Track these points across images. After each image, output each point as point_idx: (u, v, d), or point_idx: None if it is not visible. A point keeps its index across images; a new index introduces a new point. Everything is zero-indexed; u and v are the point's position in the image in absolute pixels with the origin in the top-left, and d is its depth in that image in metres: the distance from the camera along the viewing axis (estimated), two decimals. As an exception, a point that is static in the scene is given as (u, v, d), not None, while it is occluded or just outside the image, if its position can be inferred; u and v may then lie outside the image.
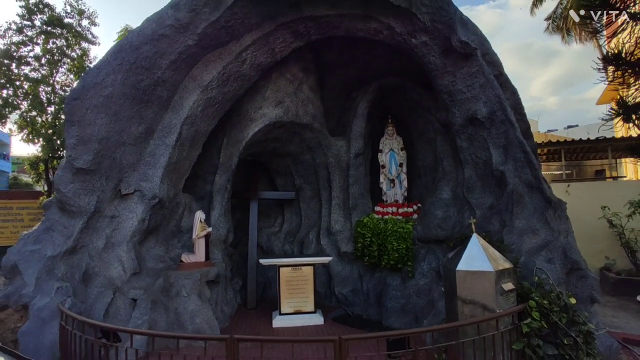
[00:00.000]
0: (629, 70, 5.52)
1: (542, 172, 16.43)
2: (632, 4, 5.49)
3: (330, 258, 7.67)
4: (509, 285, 4.62)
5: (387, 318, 7.07)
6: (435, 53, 6.44)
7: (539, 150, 13.59)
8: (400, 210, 7.88)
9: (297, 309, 7.16)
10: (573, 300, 4.93)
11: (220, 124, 7.47)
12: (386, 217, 7.82)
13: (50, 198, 6.14)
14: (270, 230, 9.48)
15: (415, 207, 7.91)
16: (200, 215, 7.13)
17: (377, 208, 8.12)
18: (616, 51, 5.60)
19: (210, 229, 7.21)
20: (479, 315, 4.53)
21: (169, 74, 6.15)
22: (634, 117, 5.54)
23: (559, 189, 10.72)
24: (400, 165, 8.28)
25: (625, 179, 12.62)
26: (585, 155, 13.56)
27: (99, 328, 4.41)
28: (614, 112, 5.75)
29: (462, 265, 4.70)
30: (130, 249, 6.19)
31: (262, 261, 7.48)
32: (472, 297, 4.58)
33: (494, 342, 4.30)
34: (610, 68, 5.79)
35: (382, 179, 8.36)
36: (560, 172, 16.42)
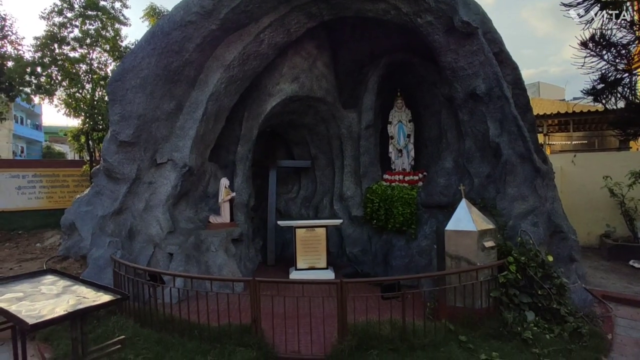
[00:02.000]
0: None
1: (557, 142, 16.66)
2: None
3: (341, 221, 8.47)
4: (490, 243, 5.36)
5: (392, 274, 7.79)
6: (439, 32, 6.87)
7: (551, 121, 13.90)
8: (407, 178, 8.47)
9: (311, 265, 8.10)
10: (550, 258, 5.63)
11: (241, 99, 8.20)
12: (394, 184, 8.45)
13: (98, 166, 7.13)
14: (288, 196, 10.37)
15: (420, 175, 8.45)
16: (225, 181, 8.04)
17: (386, 176, 8.72)
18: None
19: (234, 194, 8.13)
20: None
21: (196, 55, 6.88)
22: (599, 97, 6.15)
23: (566, 159, 11.15)
24: (408, 136, 8.74)
25: (631, 150, 12.84)
26: (598, 126, 13.75)
27: (147, 272, 5.42)
28: (584, 94, 6.31)
29: (450, 226, 5.44)
30: (165, 211, 7.12)
31: (280, 223, 8.39)
32: (457, 253, 5.35)
33: (473, 289, 5.11)
34: None
35: (390, 149, 8.84)
36: (578, 141, 16.62)
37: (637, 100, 6.48)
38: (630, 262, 8.84)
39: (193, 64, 6.94)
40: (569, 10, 5.90)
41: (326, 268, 8.06)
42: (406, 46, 8.12)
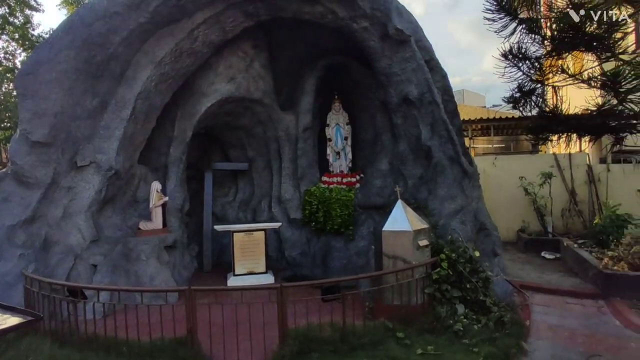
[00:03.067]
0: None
1: (480, 146, 18.00)
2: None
3: (280, 224, 8.42)
4: (424, 242, 5.62)
5: (331, 276, 7.84)
6: (374, 38, 7.07)
7: (474, 126, 15.02)
8: (345, 180, 8.58)
9: (250, 270, 7.90)
10: (477, 254, 6.04)
11: (173, 98, 7.77)
12: (332, 186, 8.44)
13: (4, 170, 6.34)
14: (224, 200, 10.04)
15: (358, 177, 8.59)
16: (156, 185, 7.57)
17: (324, 178, 8.78)
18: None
19: (166, 199, 7.68)
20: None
21: (122, 49, 6.39)
22: (517, 105, 6.88)
23: (488, 162, 12.09)
24: (346, 138, 8.88)
25: (540, 153, 14.37)
26: (514, 131, 15.15)
27: (65, 287, 4.93)
28: (504, 101, 6.99)
29: (387, 227, 5.62)
30: (88, 218, 6.52)
31: (217, 227, 8.11)
32: (394, 253, 5.53)
33: (409, 287, 5.32)
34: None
35: (329, 151, 8.95)
36: (498, 145, 18.12)
37: (547, 109, 7.21)
38: (542, 254, 9.82)
39: (119, 59, 6.45)
40: (491, 23, 6.40)
41: (265, 272, 7.93)
42: (344, 50, 8.24)
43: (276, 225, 8.25)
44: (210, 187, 9.27)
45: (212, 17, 6.89)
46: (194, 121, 8.06)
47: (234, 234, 7.87)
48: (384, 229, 5.64)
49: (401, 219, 5.61)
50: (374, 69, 7.39)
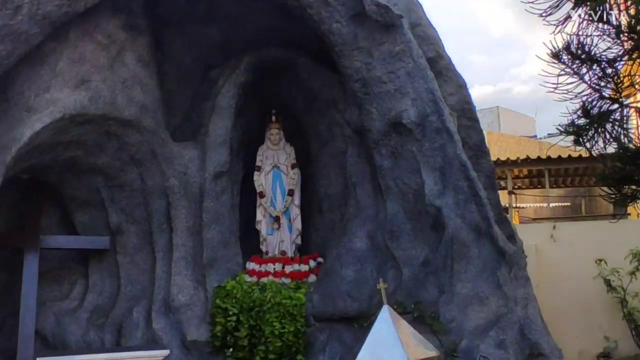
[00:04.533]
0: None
1: (528, 205, 18.59)
2: None
3: (167, 352, 7.99)
4: (431, 384, 5.57)
5: None
6: (341, 18, 7.36)
7: (518, 171, 15.53)
8: (289, 269, 8.64)
9: None
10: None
11: (-31, 115, 7.57)
12: (264, 279, 8.50)
13: None
14: (62, 306, 9.54)
15: (313, 263, 8.73)
16: None
17: (251, 265, 8.82)
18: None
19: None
20: None
21: None
22: (581, 137, 7.16)
23: (542, 233, 12.38)
24: (291, 193, 9.05)
25: (629, 217, 14.70)
26: (584, 180, 15.74)
27: None
28: (560, 131, 7.29)
29: (364, 355, 5.55)
30: None
31: (43, 361, 7.66)
32: (378, 406, 5.41)
33: None
34: None
35: (259, 215, 9.08)
36: (558, 203, 18.77)
37: (632, 145, 7.57)
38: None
39: None
40: (533, 0, 6.79)
41: None
42: (287, 37, 8.47)
43: (161, 355, 7.95)
44: (33, 280, 8.81)
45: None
46: (7, 157, 7.80)
47: (76, 374, 7.49)
48: (358, 359, 5.54)
49: (389, 341, 5.56)
50: (342, 70, 7.71)
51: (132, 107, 8.46)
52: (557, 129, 7.89)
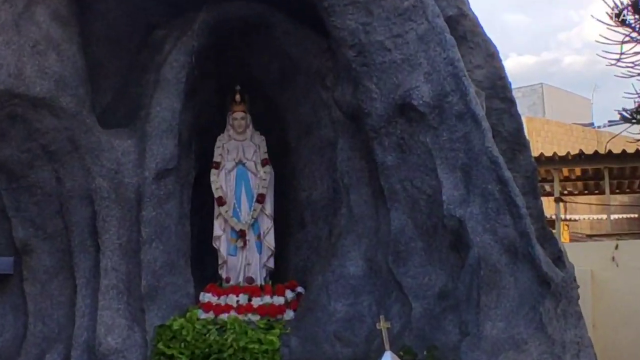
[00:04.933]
0: None
1: (581, 217, 18.43)
2: None
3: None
4: None
5: None
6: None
7: (567, 171, 15.32)
8: (257, 302, 8.56)
9: None
10: None
11: None
12: (224, 316, 8.41)
13: None
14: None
15: (290, 295, 8.65)
16: None
17: (206, 296, 8.71)
18: None
19: None
20: None
21: None
22: None
23: (600, 254, 12.21)
24: (261, 199, 9.01)
25: None
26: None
27: None
28: (624, 118, 7.10)
29: None
30: None
31: None
32: None
33: None
34: None
35: (218, 229, 9.04)
36: (621, 215, 18.62)
37: None
38: None
39: None
40: None
41: None
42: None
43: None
44: None
45: None
46: None
47: None
48: None
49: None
50: (332, 34, 7.65)
51: (44, 81, 8.20)
52: (621, 114, 7.70)
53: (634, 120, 7.60)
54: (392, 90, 7.31)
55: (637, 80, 7.35)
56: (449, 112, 7.07)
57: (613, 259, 12.07)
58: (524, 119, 7.77)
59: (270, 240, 8.94)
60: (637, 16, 7.05)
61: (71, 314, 8.94)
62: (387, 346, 6.16)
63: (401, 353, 6.56)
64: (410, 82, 7.18)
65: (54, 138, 8.60)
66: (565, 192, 16.29)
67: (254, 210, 8.94)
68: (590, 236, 15.36)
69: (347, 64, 7.52)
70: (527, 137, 8.07)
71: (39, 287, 9.18)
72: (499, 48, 7.93)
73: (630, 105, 7.65)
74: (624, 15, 7.03)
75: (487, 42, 7.68)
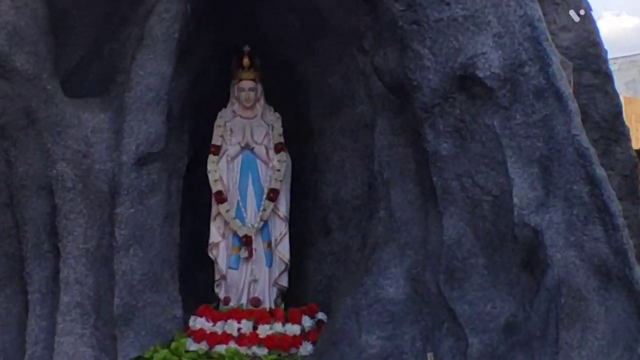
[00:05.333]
0: None
1: None
2: None
3: None
4: None
5: None
6: None
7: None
8: (265, 331, 8.60)
9: None
10: None
11: None
12: (221, 348, 8.50)
13: None
14: None
15: (308, 322, 8.73)
16: None
17: (198, 321, 8.78)
18: None
19: None
20: None
21: None
22: None
23: None
24: (272, 195, 9.08)
25: None
26: None
27: None
28: None
29: None
30: None
31: None
32: None
33: None
34: None
35: (216, 233, 9.14)
36: None
37: None
38: None
39: None
40: None
41: None
42: None
43: None
44: None
45: None
46: None
47: None
48: None
49: None
50: None
51: (-5, 35, 8.28)
52: None
53: None
54: (450, 57, 7.17)
55: None
56: (524, 88, 6.92)
57: None
58: (622, 99, 7.68)
59: (283, 251, 8.90)
60: None
61: (21, 340, 8.95)
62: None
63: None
64: (475, 47, 7.05)
65: (3, 108, 8.56)
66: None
67: (264, 210, 8.91)
68: None
69: (393, 21, 7.40)
70: (627, 124, 8.00)
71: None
72: (591, 5, 7.89)
73: None
74: None
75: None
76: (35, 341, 8.76)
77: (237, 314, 8.68)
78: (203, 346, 8.49)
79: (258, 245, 8.95)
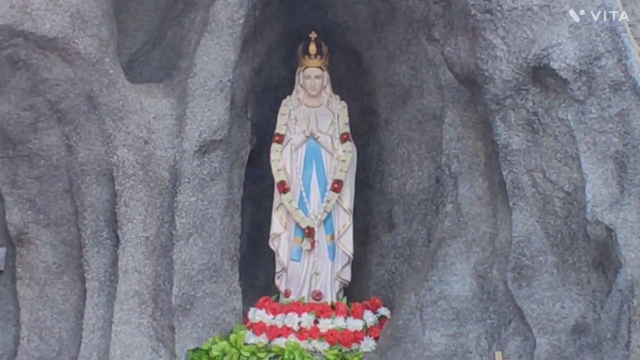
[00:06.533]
0: None
1: None
2: None
3: None
4: None
5: None
6: None
7: None
8: (326, 325, 8.47)
9: None
10: None
11: None
12: (282, 341, 8.36)
13: None
14: None
15: (371, 318, 8.60)
16: None
17: (258, 314, 8.71)
18: None
19: None
20: None
21: None
22: None
23: None
24: (337, 186, 8.96)
25: None
26: None
27: None
28: None
29: None
30: None
31: None
32: None
33: None
34: None
35: (278, 224, 9.03)
36: None
37: None
38: None
39: None
40: None
41: None
42: None
43: None
44: None
45: None
46: None
47: None
48: None
49: None
50: None
51: (57, 15, 8.13)
52: None
53: None
54: (524, 48, 7.04)
55: None
56: (601, 81, 6.77)
57: None
58: None
59: (347, 243, 8.79)
60: None
61: (77, 328, 8.97)
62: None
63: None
64: (550, 38, 6.91)
65: (65, 92, 8.56)
66: None
67: (328, 201, 8.82)
68: None
69: (465, 9, 7.25)
70: None
71: (36, 289, 9.22)
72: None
73: None
74: None
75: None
76: (92, 329, 8.78)
77: (298, 307, 8.61)
78: (262, 339, 8.41)
79: (321, 237, 8.86)
